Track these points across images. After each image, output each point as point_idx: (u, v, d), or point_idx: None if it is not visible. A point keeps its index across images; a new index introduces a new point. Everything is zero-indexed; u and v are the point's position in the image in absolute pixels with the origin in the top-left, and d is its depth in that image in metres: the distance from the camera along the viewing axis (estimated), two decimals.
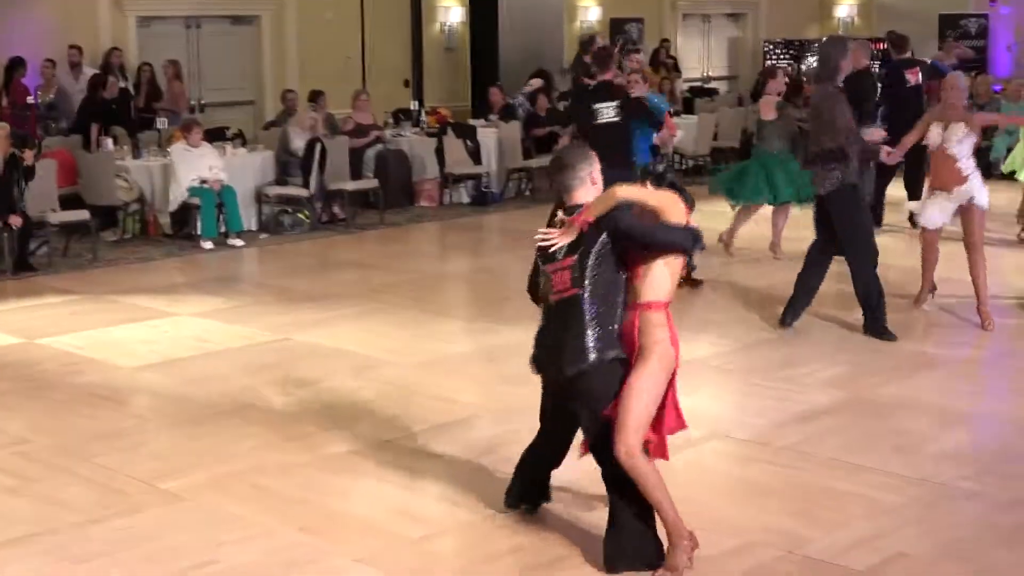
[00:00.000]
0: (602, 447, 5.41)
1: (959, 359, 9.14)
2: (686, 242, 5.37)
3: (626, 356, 5.39)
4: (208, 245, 13.62)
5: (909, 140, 10.05)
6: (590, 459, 5.60)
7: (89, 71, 16.54)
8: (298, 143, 14.93)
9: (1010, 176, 13.77)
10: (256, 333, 9.88)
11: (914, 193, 13.93)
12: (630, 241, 5.38)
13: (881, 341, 9.24)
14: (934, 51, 19.05)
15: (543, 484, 6.04)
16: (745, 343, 9.29)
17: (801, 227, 12.95)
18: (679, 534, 5.37)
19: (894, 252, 11.94)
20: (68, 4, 16.98)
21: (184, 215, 14.02)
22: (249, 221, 14.52)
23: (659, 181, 5.68)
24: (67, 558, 5.73)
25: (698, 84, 23.88)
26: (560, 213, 5.60)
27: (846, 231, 9.29)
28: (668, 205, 5.42)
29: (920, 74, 14.19)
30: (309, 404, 8.02)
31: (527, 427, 6.95)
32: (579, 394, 5.45)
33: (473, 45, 21.30)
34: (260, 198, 14.80)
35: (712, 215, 12.61)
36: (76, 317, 10.55)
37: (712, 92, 23.28)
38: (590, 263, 5.38)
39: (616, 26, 22.77)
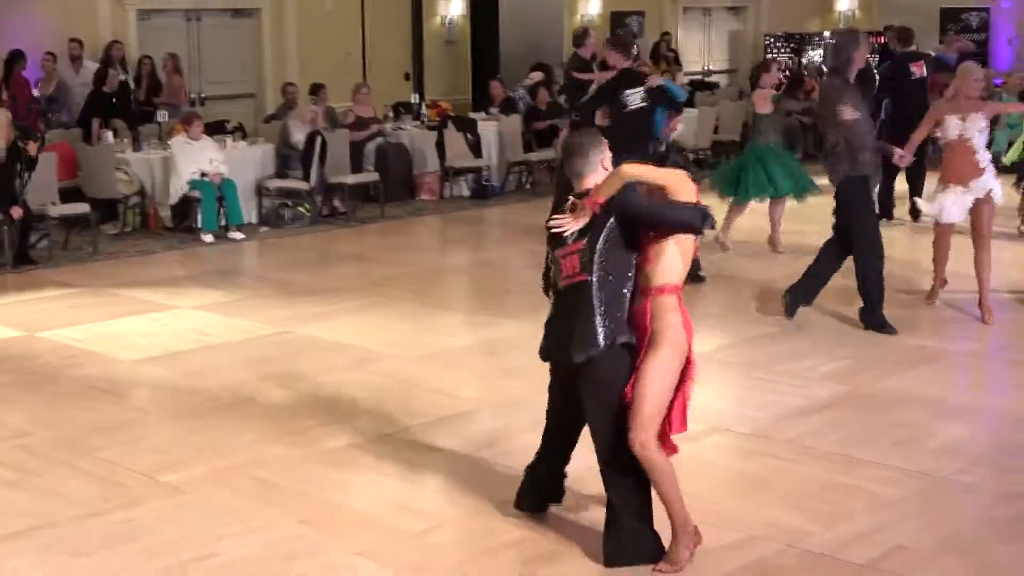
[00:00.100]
0: (605, 436, 5.37)
1: (959, 353, 9.14)
2: (695, 220, 5.27)
3: (635, 342, 5.33)
4: (208, 238, 13.62)
5: (919, 137, 9.86)
6: (589, 456, 5.60)
7: (90, 64, 16.53)
8: (298, 136, 14.92)
9: (1011, 169, 13.76)
10: (256, 326, 9.89)
11: (916, 186, 13.94)
12: (638, 221, 5.31)
13: (881, 335, 9.24)
14: (935, 44, 19.05)
15: (558, 482, 5.91)
16: (746, 337, 9.29)
17: (799, 220, 13.00)
18: (684, 529, 5.37)
19: (897, 246, 11.94)
20: None
21: (184, 208, 14.01)
22: (249, 214, 14.53)
23: (662, 163, 5.60)
24: (67, 551, 5.73)
25: (699, 78, 23.88)
26: (572, 198, 5.51)
27: (850, 222, 9.29)
28: (677, 184, 5.34)
29: (925, 67, 14.16)
30: (309, 397, 8.03)
31: (528, 420, 6.97)
32: (586, 381, 5.38)
33: (473, 38, 21.29)
34: (260, 191, 14.80)
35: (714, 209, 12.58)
36: (76, 310, 10.56)
37: (713, 86, 23.28)
38: (599, 247, 5.31)
39: (617, 19, 22.75)
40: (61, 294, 11.23)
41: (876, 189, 10.91)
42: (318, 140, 14.72)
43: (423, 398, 7.95)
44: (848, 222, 9.32)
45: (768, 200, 12.39)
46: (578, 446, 5.81)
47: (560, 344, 5.46)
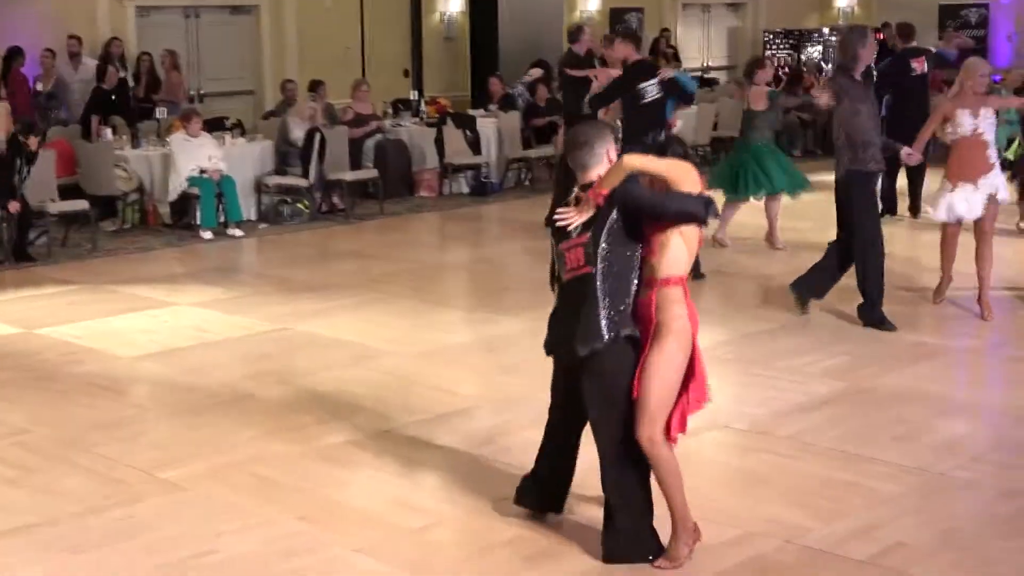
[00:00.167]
0: (608, 432, 5.36)
1: (959, 350, 9.14)
2: (698, 210, 5.21)
3: (639, 335, 5.30)
4: (207, 235, 13.61)
5: (926, 134, 9.72)
6: (587, 456, 5.59)
7: (89, 61, 16.53)
8: (297, 133, 14.92)
9: (1010, 166, 13.75)
10: (255, 323, 9.88)
11: (916, 183, 13.94)
12: (641, 213, 5.26)
13: (880, 331, 9.24)
14: (934, 41, 19.05)
15: (561, 483, 5.83)
16: (745, 333, 9.29)
17: (797, 216, 13.01)
18: (685, 526, 5.37)
19: (897, 242, 11.94)
20: None
21: (183, 205, 14.01)
22: (248, 211, 14.52)
23: (663, 153, 5.54)
24: (67, 548, 5.73)
25: (698, 74, 23.85)
26: (576, 191, 5.47)
27: (851, 217, 9.29)
28: (680, 173, 5.29)
29: (926, 63, 14.14)
30: (308, 394, 8.03)
31: (527, 417, 6.97)
32: (590, 375, 5.35)
33: (473, 35, 21.28)
34: (259, 188, 14.80)
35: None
36: (75, 307, 10.56)
37: (712, 82, 23.27)
38: (603, 240, 5.26)
39: (616, 16, 22.74)
40: (60, 291, 11.23)
41: (878, 185, 10.87)
42: (317, 137, 14.72)
43: (422, 395, 7.95)
44: (848, 217, 9.31)
45: (764, 197, 12.37)
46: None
47: (564, 337, 5.41)
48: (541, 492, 5.89)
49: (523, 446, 6.52)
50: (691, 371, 5.34)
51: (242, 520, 6.00)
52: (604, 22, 22.00)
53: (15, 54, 15.81)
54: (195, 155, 13.76)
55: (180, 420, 7.61)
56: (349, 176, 15.13)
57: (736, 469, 6.71)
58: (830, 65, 21.95)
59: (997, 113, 9.98)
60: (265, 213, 14.76)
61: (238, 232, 13.82)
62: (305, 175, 14.70)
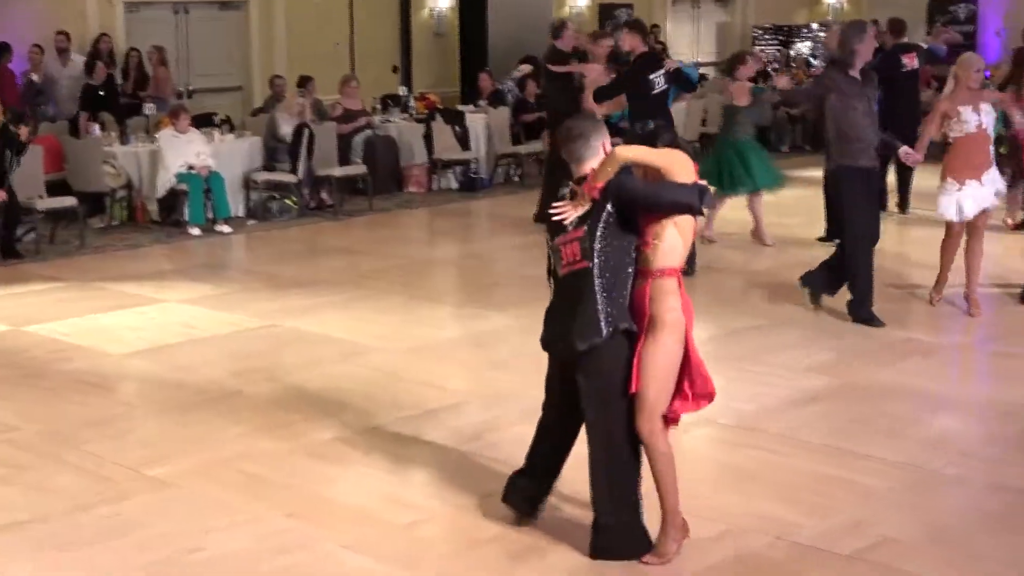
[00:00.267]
0: (603, 428, 5.35)
1: (946, 345, 9.16)
2: (692, 199, 5.17)
3: (635, 328, 5.27)
4: (196, 231, 13.59)
5: (929, 134, 9.55)
6: (574, 452, 5.59)
7: (77, 57, 16.50)
8: (286, 129, 14.91)
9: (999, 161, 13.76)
10: (244, 320, 9.87)
11: (905, 179, 13.95)
12: (635, 204, 5.24)
13: (869, 327, 9.25)
14: (922, 36, 19.04)
15: (548, 487, 5.80)
16: (734, 329, 9.30)
17: (783, 212, 13.02)
18: (674, 522, 5.37)
19: (886, 239, 11.89)
20: None
21: (172, 201, 13.99)
22: (237, 207, 14.50)
23: (652, 142, 5.49)
24: (56, 545, 5.72)
25: (696, 63, 23.86)
26: (570, 184, 5.45)
27: (840, 213, 9.29)
28: (673, 163, 5.25)
29: (916, 59, 14.14)
30: (297, 391, 8.02)
31: (516, 413, 6.97)
32: (587, 370, 5.32)
33: (462, 30, 21.26)
34: (248, 184, 14.77)
35: None
36: (63, 304, 10.53)
37: (702, 77, 23.25)
38: (599, 233, 5.23)
39: (605, 12, 22.75)
40: (48, 288, 11.21)
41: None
42: (306, 133, 14.70)
43: (411, 391, 7.95)
44: (837, 212, 9.31)
45: (747, 194, 12.35)
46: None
47: (561, 334, 5.38)
48: (532, 490, 5.82)
49: (512, 441, 6.52)
50: (686, 362, 5.34)
51: (231, 517, 6.00)
52: (593, 18, 22.00)
53: (3, 50, 15.76)
54: (183, 151, 13.74)
55: (169, 417, 7.60)
56: (338, 172, 15.11)
57: (725, 465, 6.71)
58: (819, 60, 21.96)
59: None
60: (254, 209, 14.73)
61: (226, 228, 13.80)
62: (294, 171, 14.69)
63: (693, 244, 5.62)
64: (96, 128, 14.63)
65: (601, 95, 11.64)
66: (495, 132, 17.13)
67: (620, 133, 9.98)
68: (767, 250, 12.18)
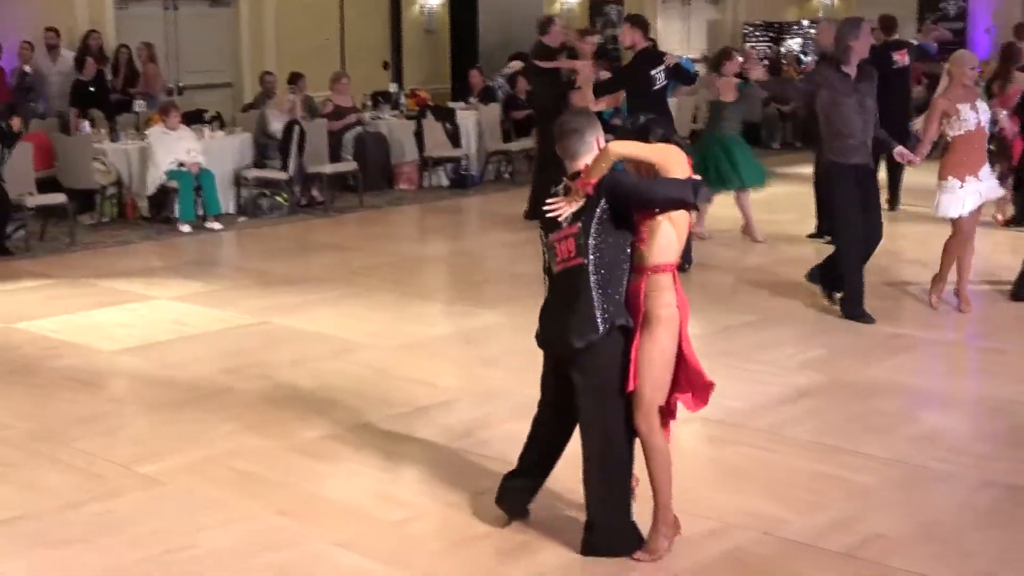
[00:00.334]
0: (599, 425, 5.34)
1: (936, 342, 9.17)
2: (687, 194, 5.15)
3: (632, 324, 5.25)
4: (186, 228, 13.58)
5: (932, 133, 9.46)
6: (575, 449, 5.59)
7: (67, 54, 16.48)
8: (276, 126, 14.89)
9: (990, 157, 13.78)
10: (234, 317, 9.86)
11: (895, 176, 13.96)
12: (629, 200, 5.21)
13: (859, 324, 9.27)
14: (912, 33, 19.07)
15: (539, 484, 5.79)
16: (724, 326, 9.30)
17: (774, 209, 13.03)
18: (666, 519, 5.37)
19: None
20: None
21: (162, 198, 13.97)
22: (227, 204, 14.49)
23: (644, 136, 5.46)
24: (47, 543, 5.72)
25: (694, 57, 23.87)
26: (564, 180, 5.42)
27: (831, 209, 9.29)
28: (667, 158, 5.23)
29: (907, 56, 14.16)
30: (288, 388, 8.02)
31: (506, 410, 6.98)
32: (583, 368, 5.29)
33: (453, 27, 21.27)
34: (238, 181, 14.76)
35: None
36: (54, 301, 10.52)
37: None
38: (593, 229, 5.21)
39: (596, 8, 22.75)
40: (38, 285, 11.19)
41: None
42: (296, 129, 14.69)
43: (402, 388, 7.94)
44: (829, 208, 9.32)
45: (734, 191, 12.34)
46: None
47: (557, 331, 5.37)
48: (525, 490, 5.79)
49: (503, 438, 6.53)
50: (680, 358, 5.34)
51: (222, 514, 6.00)
52: (583, 15, 21.99)
53: None
54: (174, 148, 13.73)
55: (159, 414, 7.59)
56: (328, 169, 15.10)
57: (715, 461, 6.72)
58: (809, 57, 21.98)
59: None
60: (244, 206, 14.72)
61: (217, 225, 13.79)
62: (284, 168, 14.67)
63: (688, 239, 5.60)
64: (86, 125, 14.61)
65: (601, 90, 11.64)
66: (486, 129, 17.12)
67: (612, 130, 9.97)
68: (758, 247, 12.19)
